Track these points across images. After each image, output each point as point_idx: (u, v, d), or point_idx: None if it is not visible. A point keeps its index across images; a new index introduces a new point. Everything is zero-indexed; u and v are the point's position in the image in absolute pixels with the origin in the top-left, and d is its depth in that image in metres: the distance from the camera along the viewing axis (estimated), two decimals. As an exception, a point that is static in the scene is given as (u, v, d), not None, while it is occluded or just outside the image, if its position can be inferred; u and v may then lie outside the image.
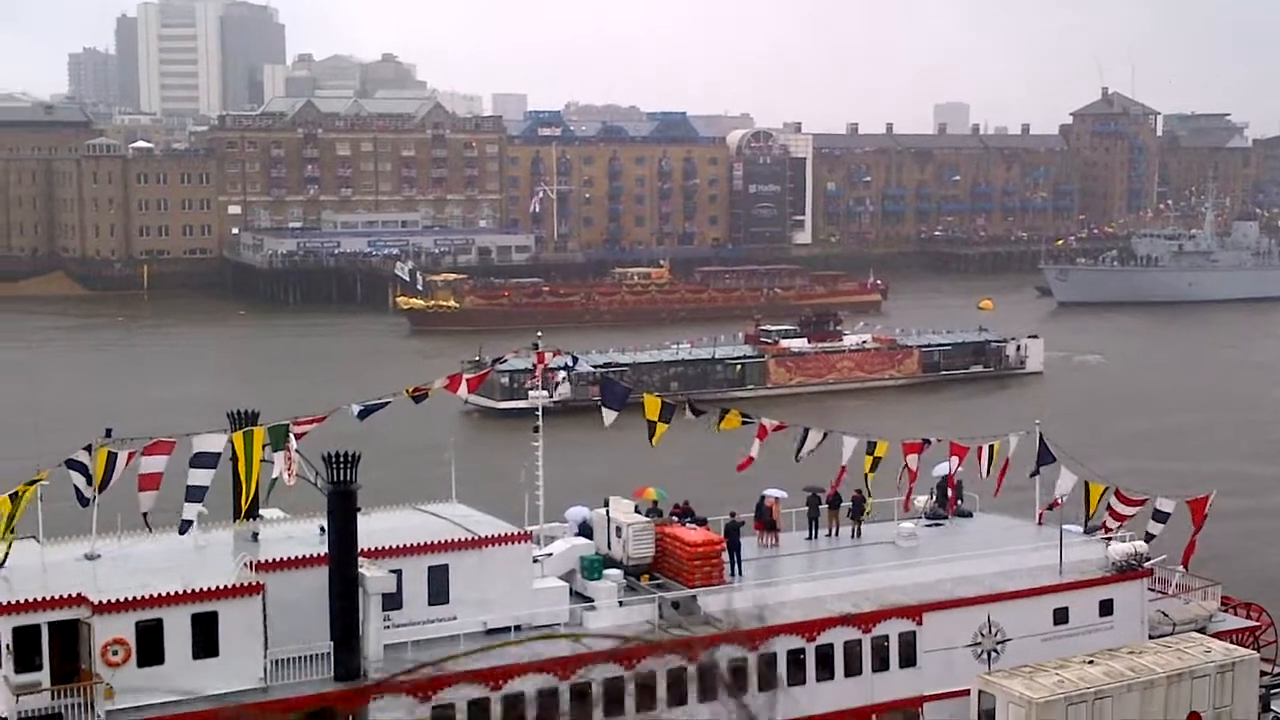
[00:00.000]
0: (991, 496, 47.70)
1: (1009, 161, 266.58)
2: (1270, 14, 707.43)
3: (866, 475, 43.69)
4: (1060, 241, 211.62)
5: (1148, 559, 43.35)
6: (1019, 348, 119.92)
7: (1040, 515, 45.16)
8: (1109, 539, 43.83)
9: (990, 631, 40.42)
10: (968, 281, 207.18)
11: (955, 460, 45.52)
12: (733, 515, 41.94)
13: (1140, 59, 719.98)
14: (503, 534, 36.82)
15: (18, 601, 30.82)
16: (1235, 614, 45.30)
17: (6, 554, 33.13)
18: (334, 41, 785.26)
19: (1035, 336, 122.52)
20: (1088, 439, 71.27)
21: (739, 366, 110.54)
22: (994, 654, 40.31)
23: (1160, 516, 45.27)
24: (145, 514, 34.23)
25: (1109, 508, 44.92)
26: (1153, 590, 43.91)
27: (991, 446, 45.40)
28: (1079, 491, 44.97)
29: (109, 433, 34.52)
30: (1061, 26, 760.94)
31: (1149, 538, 44.53)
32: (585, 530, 41.18)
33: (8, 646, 30.64)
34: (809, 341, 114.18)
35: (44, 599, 30.97)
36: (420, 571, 35.33)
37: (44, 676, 30.78)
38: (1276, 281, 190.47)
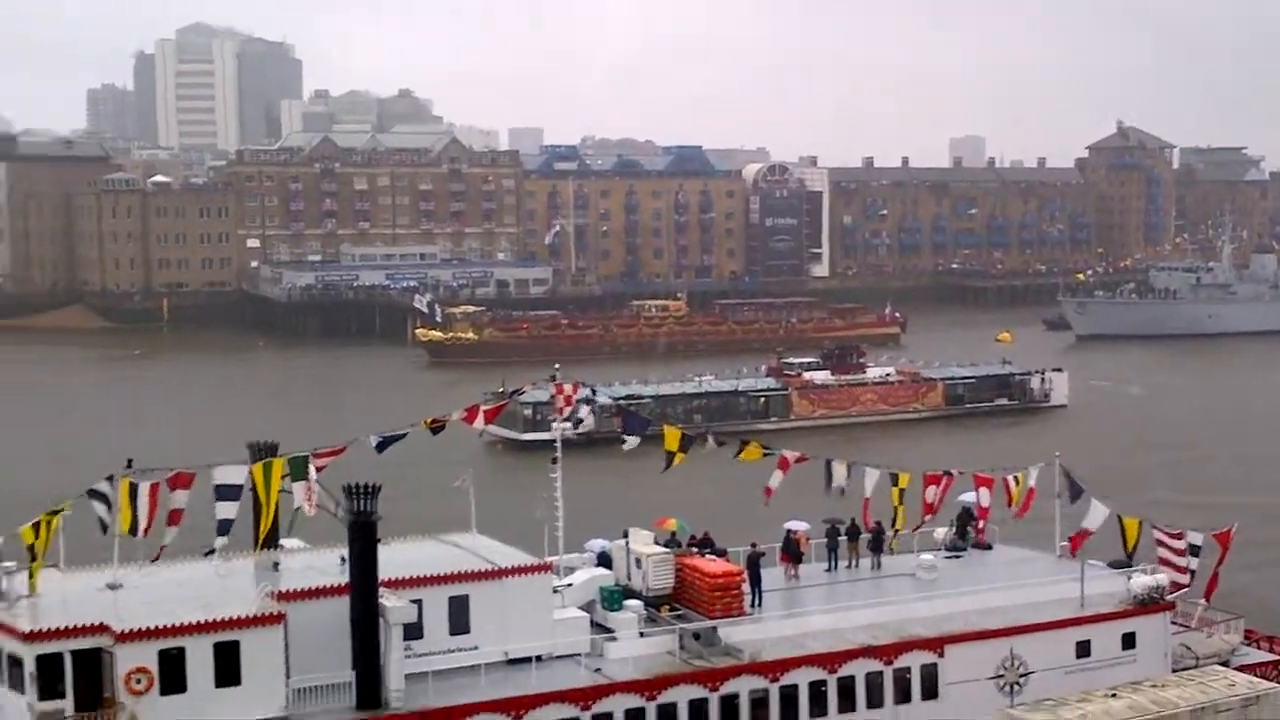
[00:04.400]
0: (1010, 526, 47.53)
1: (1025, 195, 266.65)
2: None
3: (896, 508, 43.46)
4: (1081, 275, 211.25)
5: (1170, 592, 43.16)
6: (1043, 380, 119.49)
7: (1073, 546, 44.25)
8: (1131, 572, 43.62)
9: (1013, 664, 40.23)
10: (985, 314, 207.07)
11: (985, 491, 45.11)
12: (754, 546, 41.91)
13: (1155, 92, 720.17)
14: (523, 564, 36.82)
15: (41, 630, 30.91)
16: (1259, 647, 44.99)
17: (34, 583, 33.25)
18: (351, 77, 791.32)
19: (1059, 369, 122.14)
20: (1112, 472, 71.12)
21: (762, 399, 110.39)
22: (1017, 687, 40.12)
23: (1193, 550, 44.81)
24: (163, 547, 34.32)
25: (1160, 544, 44.29)
26: (1175, 623, 43.66)
27: (1016, 478, 45.21)
28: (1105, 524, 44.62)
29: (130, 463, 34.68)
30: (1074, 61, 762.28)
31: (1190, 574, 44.07)
32: (605, 561, 41.20)
33: (32, 674, 30.73)
34: (832, 374, 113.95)
35: (67, 627, 31.05)
36: (441, 601, 35.35)
37: (68, 704, 30.85)
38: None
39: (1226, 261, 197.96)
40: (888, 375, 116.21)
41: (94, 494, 34.26)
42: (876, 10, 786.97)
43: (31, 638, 30.73)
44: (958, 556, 46.44)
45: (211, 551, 35.35)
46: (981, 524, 46.69)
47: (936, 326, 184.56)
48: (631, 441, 42.84)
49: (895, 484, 43.34)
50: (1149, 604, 42.48)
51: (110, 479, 34.24)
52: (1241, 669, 41.74)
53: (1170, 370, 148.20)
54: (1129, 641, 41.99)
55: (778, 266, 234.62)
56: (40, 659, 30.73)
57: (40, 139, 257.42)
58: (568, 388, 44.59)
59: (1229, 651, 43.89)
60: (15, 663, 31.16)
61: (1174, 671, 41.75)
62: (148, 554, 35.14)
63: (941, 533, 47.35)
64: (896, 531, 44.15)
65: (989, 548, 47.55)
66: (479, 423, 43.77)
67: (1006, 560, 46.10)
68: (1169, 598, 43.05)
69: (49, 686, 30.80)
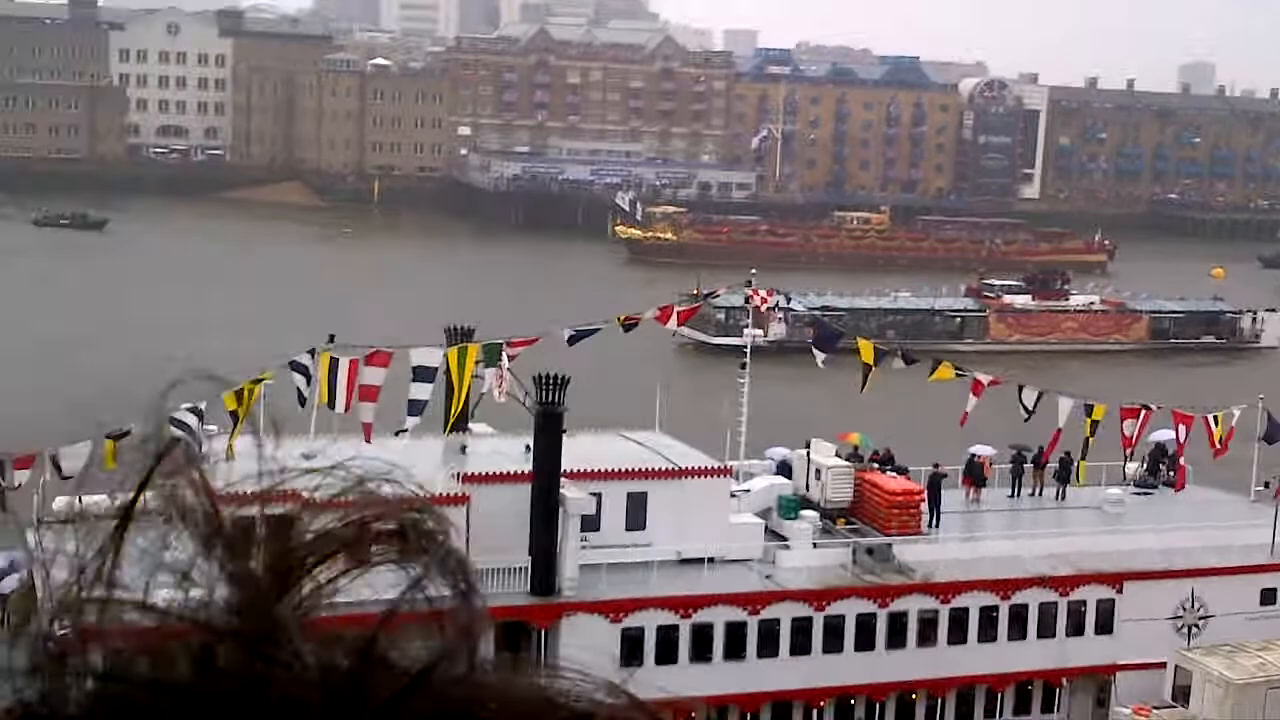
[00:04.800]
0: (1205, 468, 46.40)
1: (1254, 126, 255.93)
2: None
3: (1088, 439, 42.76)
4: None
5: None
6: (1255, 320, 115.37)
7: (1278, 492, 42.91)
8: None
9: (1193, 606, 39.49)
10: (1200, 248, 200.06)
11: (1183, 428, 44.07)
12: (936, 466, 41.67)
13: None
14: (703, 466, 37.23)
15: (236, 493, 32.26)
16: None
17: (231, 448, 34.70)
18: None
19: (1273, 309, 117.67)
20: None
21: (959, 319, 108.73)
22: (1195, 629, 39.42)
23: None
24: (368, 425, 35.24)
25: None
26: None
27: (1216, 417, 44.11)
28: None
29: (332, 338, 35.81)
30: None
31: None
32: (785, 470, 41.39)
33: (226, 535, 32.14)
34: (1034, 299, 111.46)
35: (261, 491, 32.34)
36: (620, 496, 35.98)
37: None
38: None
39: None
40: (1091, 304, 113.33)
41: (295, 366, 35.49)
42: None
43: (226, 500, 32.09)
44: (1147, 493, 45.58)
45: (403, 430, 36.40)
46: (1182, 460, 45.48)
47: (1147, 257, 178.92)
48: (820, 357, 42.85)
49: (1089, 415, 42.62)
50: (1343, 556, 41.24)
51: (312, 353, 35.41)
52: None
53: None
54: (1317, 593, 40.90)
55: (987, 185, 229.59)
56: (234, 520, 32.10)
57: (266, 15, 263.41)
58: (763, 294, 44.63)
59: None
60: (212, 522, 32.58)
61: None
62: (344, 429, 36.36)
63: (1133, 469, 46.45)
64: (1083, 461, 43.38)
65: (1181, 488, 46.49)
66: (672, 323, 44.15)
67: (1197, 501, 45.08)
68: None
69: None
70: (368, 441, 35.20)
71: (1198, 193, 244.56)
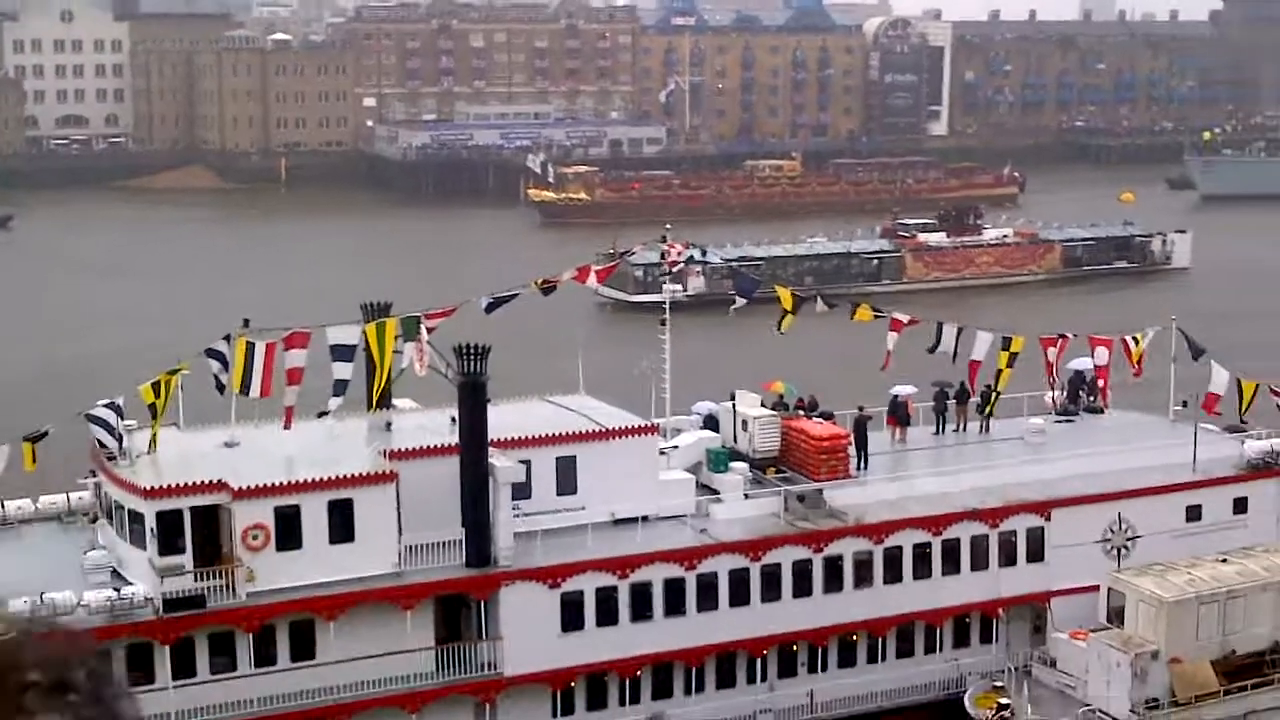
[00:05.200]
0: (1124, 391, 47.04)
1: (1155, 49, 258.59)
2: None
3: (1001, 370, 43.20)
4: (1209, 133, 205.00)
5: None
6: (1165, 242, 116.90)
7: (1207, 407, 43.60)
8: (1245, 436, 43.06)
9: (1120, 528, 40.07)
10: (1108, 174, 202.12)
11: (1103, 350, 44.67)
12: (860, 409, 41.93)
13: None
14: (630, 426, 37.22)
15: (161, 486, 31.91)
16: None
17: (154, 441, 34.25)
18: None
19: (1182, 231, 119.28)
20: (1234, 338, 69.66)
21: (875, 261, 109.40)
22: (1124, 551, 40.01)
23: None
24: (290, 409, 34.81)
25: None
26: (1290, 489, 43.09)
27: (1135, 337, 44.75)
28: (1225, 388, 43.94)
29: (246, 323, 35.35)
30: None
31: None
32: (712, 423, 41.47)
33: (152, 530, 31.81)
34: (948, 236, 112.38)
35: (186, 484, 32.02)
36: (549, 462, 35.91)
37: (187, 559, 31.94)
38: None
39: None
40: (1004, 237, 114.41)
41: (211, 353, 35.06)
42: None
43: (152, 494, 31.76)
44: (1069, 421, 46.07)
45: (326, 412, 36.13)
46: (1102, 383, 45.97)
47: (1057, 186, 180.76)
48: (740, 302, 42.90)
49: (1007, 348, 43.05)
50: (1262, 469, 41.96)
51: (227, 338, 34.97)
52: (1357, 537, 41.29)
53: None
54: (1240, 506, 41.62)
55: (895, 125, 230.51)
56: (160, 515, 31.78)
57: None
58: (678, 248, 44.54)
59: (1345, 518, 43.29)
60: (136, 519, 32.25)
61: (1286, 538, 41.40)
62: (265, 414, 35.96)
63: (1053, 397, 46.94)
64: (998, 395, 43.76)
65: (1100, 411, 47.07)
66: (590, 281, 44.01)
67: (1118, 425, 45.67)
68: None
69: (169, 542, 31.87)
70: (287, 427, 34.87)
71: (1103, 119, 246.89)
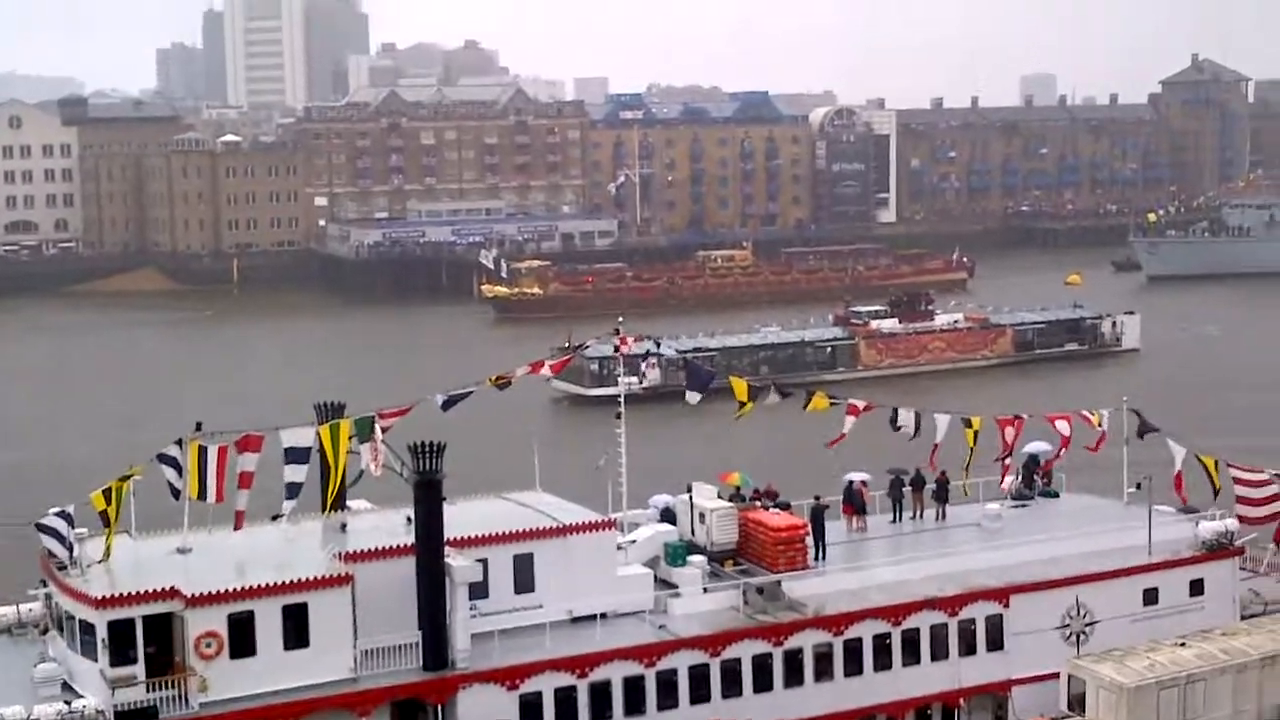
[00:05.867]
0: (1078, 476, 47.27)
1: (1097, 133, 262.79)
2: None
3: (971, 448, 43.38)
4: (1152, 215, 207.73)
5: (1243, 534, 42.75)
6: (1115, 324, 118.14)
7: (1177, 487, 43.97)
8: (1199, 517, 43.23)
9: (1079, 613, 40.06)
10: (1055, 257, 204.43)
11: (1063, 423, 44.90)
12: (817, 499, 41.89)
13: (1231, 24, 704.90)
14: (587, 521, 37.01)
15: (112, 596, 31.45)
16: (1329, 592, 44.54)
17: (108, 549, 33.79)
18: (417, 30, 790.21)
19: (1131, 312, 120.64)
20: (1187, 415, 70.21)
21: (829, 349, 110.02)
22: (1083, 636, 39.97)
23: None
24: (240, 512, 34.53)
25: (1239, 482, 43.93)
26: (1244, 569, 43.26)
27: (1089, 418, 45.05)
28: (1171, 468, 44.17)
29: (199, 426, 35.06)
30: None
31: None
32: (669, 517, 41.30)
33: (104, 640, 31.30)
34: (900, 322, 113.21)
35: (138, 593, 31.57)
36: (506, 560, 35.62)
37: (139, 670, 31.41)
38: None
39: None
40: (956, 322, 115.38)
41: (163, 459, 34.69)
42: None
43: (103, 604, 31.28)
44: (1024, 505, 46.19)
45: (280, 515, 35.80)
46: (1061, 453, 45.96)
47: (1005, 271, 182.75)
48: (693, 395, 42.91)
49: (968, 427, 43.25)
50: (1217, 550, 42.11)
51: (179, 443, 34.64)
52: (1312, 615, 41.45)
53: (1245, 310, 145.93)
54: (1197, 588, 41.68)
55: (844, 213, 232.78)
56: (112, 625, 31.26)
57: (110, 100, 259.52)
58: (632, 340, 44.61)
59: (1299, 598, 43.51)
60: (88, 629, 31.73)
61: (1243, 618, 41.51)
62: (218, 518, 35.61)
63: (1008, 482, 47.09)
64: (967, 471, 43.89)
65: (1056, 495, 47.25)
66: (544, 372, 44.03)
67: (1073, 508, 45.79)
68: (1239, 542, 42.65)
69: (121, 652, 31.34)
70: (237, 528, 34.56)
71: (1048, 203, 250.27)
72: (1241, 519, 43.38)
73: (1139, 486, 44.08)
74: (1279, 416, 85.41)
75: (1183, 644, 38.39)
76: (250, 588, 32.14)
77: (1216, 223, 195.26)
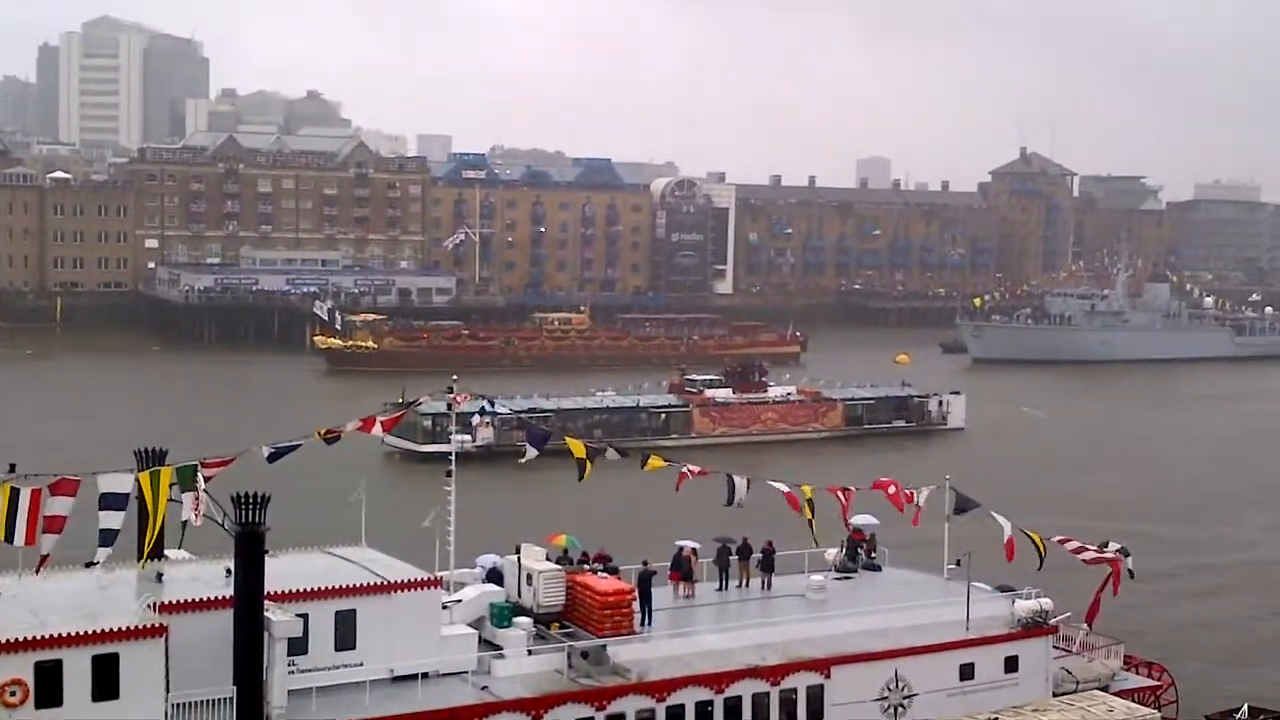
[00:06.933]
0: (900, 551, 48.07)
1: (928, 218, 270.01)
2: (1185, 79, 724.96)
3: (810, 521, 43.91)
4: (978, 300, 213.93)
5: (1053, 616, 43.80)
6: (941, 403, 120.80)
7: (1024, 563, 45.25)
8: (1015, 595, 44.21)
9: (898, 686, 40.57)
10: (885, 335, 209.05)
11: (893, 488, 45.77)
12: (645, 564, 41.93)
13: (1058, 119, 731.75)
14: (412, 579, 36.50)
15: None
16: (1138, 673, 45.83)
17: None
18: (259, 77, 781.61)
19: (957, 392, 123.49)
20: (1007, 494, 71.90)
21: (663, 415, 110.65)
22: (901, 709, 40.46)
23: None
24: (45, 557, 33.48)
25: (1076, 551, 45.55)
26: (1057, 648, 44.32)
27: (913, 494, 45.91)
28: (995, 544, 45.18)
29: (12, 468, 33.93)
30: (983, 83, 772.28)
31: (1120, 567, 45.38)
32: (496, 577, 40.98)
33: (-99, 686, 29.96)
34: (734, 392, 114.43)
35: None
36: (327, 616, 34.93)
37: (-63, 719, 30.14)
38: (1185, 343, 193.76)
39: (1121, 289, 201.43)
40: (789, 394, 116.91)
41: (-28, 500, 33.47)
42: (790, 30, 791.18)
43: (-98, 648, 29.97)
44: (848, 578, 46.81)
45: (94, 563, 34.70)
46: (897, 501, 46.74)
47: (837, 346, 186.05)
48: (531, 451, 42.74)
49: (803, 495, 43.80)
50: (1032, 627, 43.07)
51: (-10, 484, 33.47)
52: (1120, 694, 42.52)
53: (1065, 395, 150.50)
54: (1012, 665, 42.51)
55: (682, 282, 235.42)
56: (-88, 671, 29.98)
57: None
58: (465, 398, 44.31)
59: (1109, 677, 44.63)
60: (-116, 675, 30.35)
61: (1055, 695, 42.39)
62: (29, 563, 34.42)
63: (832, 554, 47.72)
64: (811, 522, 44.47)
65: (878, 569, 48.00)
66: (376, 430, 43.38)
67: (895, 582, 46.51)
68: (1053, 621, 43.69)
69: (-81, 699, 30.09)
70: (36, 573, 33.43)
71: (879, 283, 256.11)
72: (1087, 562, 45.06)
73: (959, 563, 44.95)
74: (1098, 497, 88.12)
75: (995, 719, 39.07)
76: (59, 636, 31.04)
77: (1040, 310, 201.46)
